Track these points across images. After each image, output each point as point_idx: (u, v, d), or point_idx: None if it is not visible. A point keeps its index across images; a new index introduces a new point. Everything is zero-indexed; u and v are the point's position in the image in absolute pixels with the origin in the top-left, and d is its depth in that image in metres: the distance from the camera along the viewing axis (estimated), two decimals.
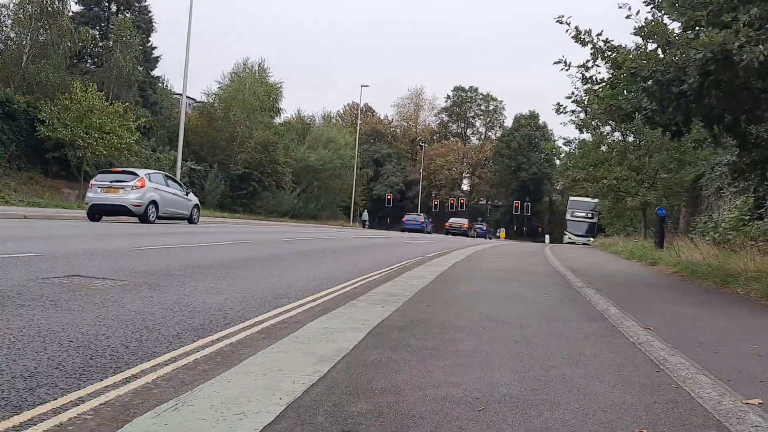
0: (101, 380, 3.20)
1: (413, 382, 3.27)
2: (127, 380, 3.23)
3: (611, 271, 12.39)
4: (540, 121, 76.50)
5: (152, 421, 2.57)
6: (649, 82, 8.17)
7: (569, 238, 50.76)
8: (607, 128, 24.78)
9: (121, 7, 40.65)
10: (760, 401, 3.21)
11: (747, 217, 13.64)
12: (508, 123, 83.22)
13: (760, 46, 6.76)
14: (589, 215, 51.72)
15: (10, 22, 31.42)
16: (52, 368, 3.31)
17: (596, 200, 42.87)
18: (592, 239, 47.10)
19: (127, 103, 30.87)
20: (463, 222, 52.81)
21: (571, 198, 51.76)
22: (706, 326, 5.66)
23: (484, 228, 61.79)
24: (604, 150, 25.78)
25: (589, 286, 8.29)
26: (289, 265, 9.39)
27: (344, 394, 3.03)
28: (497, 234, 65.51)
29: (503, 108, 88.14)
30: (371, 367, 3.53)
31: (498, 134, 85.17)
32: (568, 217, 53.40)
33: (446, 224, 52.03)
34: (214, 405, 2.76)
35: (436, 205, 72.05)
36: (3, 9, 31.14)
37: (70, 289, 5.58)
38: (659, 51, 8.12)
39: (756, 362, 4.23)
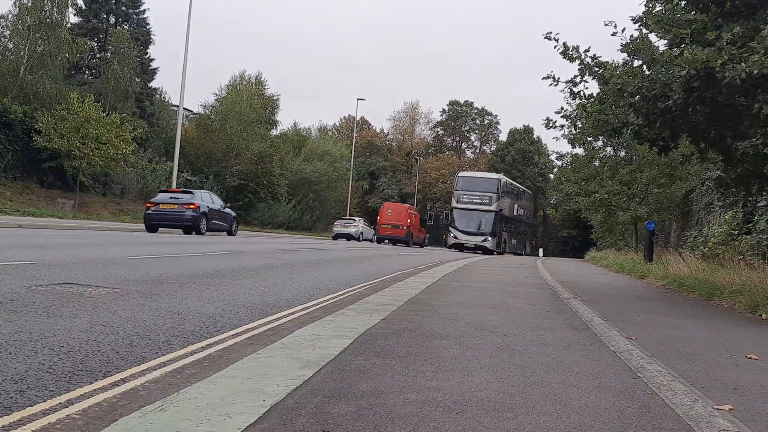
0: (90, 383, 3.27)
1: (395, 387, 3.37)
2: (115, 383, 3.31)
3: (600, 283, 12.52)
4: (534, 136, 76.90)
5: (138, 420, 2.65)
6: (636, 98, 8.34)
7: (454, 237, 35.82)
8: (599, 143, 25.05)
9: (120, 19, 40.93)
10: (731, 407, 3.31)
11: (736, 232, 13.79)
12: (503, 137, 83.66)
13: (743, 64, 6.94)
14: (486, 200, 35.02)
15: (8, 33, 31.59)
16: (43, 372, 3.38)
17: (499, 176, 35.73)
18: (491, 243, 35.23)
19: (124, 114, 31.00)
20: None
21: (461, 174, 38.40)
22: (687, 336, 5.78)
23: None
24: (596, 164, 26.02)
25: (577, 298, 8.40)
26: (281, 275, 9.48)
27: (327, 397, 3.12)
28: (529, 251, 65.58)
29: (498, 122, 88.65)
30: (355, 372, 3.63)
31: (493, 148, 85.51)
32: (453, 203, 36.54)
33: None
34: (199, 406, 2.85)
35: (431, 217, 72.17)
36: (2, 20, 31.35)
37: (63, 296, 5.66)
38: (645, 67, 8.29)
39: (732, 371, 4.34)
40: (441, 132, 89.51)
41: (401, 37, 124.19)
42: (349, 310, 6.11)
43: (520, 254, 40.09)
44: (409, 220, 38.19)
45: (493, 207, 35.39)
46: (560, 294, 9.10)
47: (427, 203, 78.40)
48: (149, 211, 21.50)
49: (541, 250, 59.90)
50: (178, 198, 21.98)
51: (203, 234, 21.47)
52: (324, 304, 6.80)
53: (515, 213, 41.23)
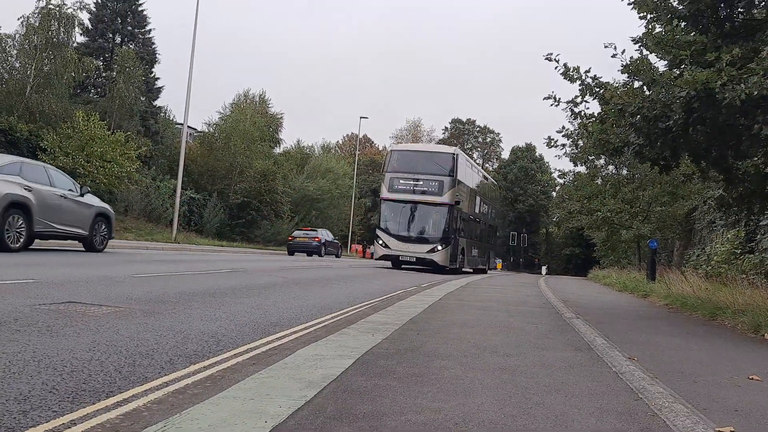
0: (93, 404, 3.29)
1: (396, 408, 3.38)
2: (118, 404, 3.32)
3: (602, 302, 12.50)
4: (536, 154, 77.24)
5: None
6: (637, 118, 8.40)
7: (384, 246, 23.47)
8: (601, 161, 25.15)
9: (125, 39, 41.33)
10: (732, 429, 3.31)
11: (738, 251, 13.79)
12: (505, 155, 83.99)
13: (742, 85, 7.00)
14: (434, 187, 22.93)
15: (15, 52, 31.91)
16: (46, 392, 3.40)
17: (455, 150, 24.02)
18: (441, 254, 22.69)
19: (128, 133, 31.23)
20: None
21: (394, 148, 26.54)
22: (689, 357, 5.77)
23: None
24: (599, 183, 26.08)
25: (579, 317, 8.40)
26: (283, 294, 9.49)
27: (328, 418, 3.13)
28: (494, 264, 65.57)
29: (500, 140, 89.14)
30: (356, 393, 3.64)
31: (495, 166, 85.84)
32: (383, 193, 24.15)
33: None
34: (201, 427, 2.87)
35: None
36: (9, 39, 31.66)
37: (66, 315, 5.69)
38: (645, 88, 8.36)
39: (734, 392, 4.34)
40: None
41: (405, 55, 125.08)
42: (351, 329, 6.12)
43: (483, 270, 30.78)
44: None
45: (445, 198, 22.51)
46: (563, 313, 9.09)
47: None
48: (291, 242, 35.91)
49: (544, 268, 59.87)
50: (308, 233, 36.48)
51: (322, 257, 33.72)
52: (326, 323, 6.81)
53: (478, 209, 28.71)
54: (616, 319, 9.18)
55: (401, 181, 23.61)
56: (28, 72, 31.36)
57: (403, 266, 24.01)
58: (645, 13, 8.92)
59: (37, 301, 6.28)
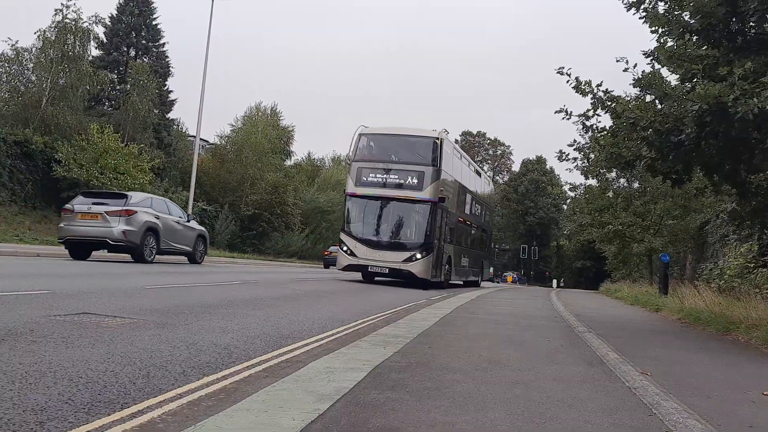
0: (108, 415, 3.32)
1: (409, 422, 3.39)
2: (133, 415, 3.35)
3: (614, 316, 12.43)
4: (547, 166, 77.08)
5: None
6: (649, 132, 8.39)
7: (349, 253, 18.85)
8: (612, 174, 25.06)
9: (140, 52, 41.90)
10: None
11: (752, 265, 13.68)
12: (516, 167, 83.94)
13: (755, 99, 6.99)
14: (414, 180, 18.61)
15: (32, 65, 32.41)
16: (62, 403, 3.43)
17: (439, 134, 18.82)
18: (421, 264, 18.08)
19: (142, 145, 31.61)
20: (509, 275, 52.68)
21: (364, 132, 19.76)
22: (703, 372, 5.73)
23: (517, 277, 62.51)
24: (610, 196, 25.98)
25: (591, 331, 8.36)
26: (295, 306, 9.51)
27: (342, 431, 3.14)
28: (504, 278, 65.46)
29: (511, 153, 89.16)
30: (369, 407, 3.65)
31: (505, 178, 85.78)
32: (349, 188, 19.65)
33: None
34: None
35: None
36: (26, 53, 32.15)
37: (81, 326, 5.74)
38: (657, 102, 8.37)
39: (748, 408, 4.31)
40: None
41: (415, 68, 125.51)
42: (363, 342, 6.13)
43: (475, 282, 26.43)
44: None
45: (425, 193, 18.25)
46: (574, 327, 9.05)
47: None
48: (327, 257, 36.68)
49: (555, 281, 59.56)
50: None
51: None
52: (338, 335, 6.82)
53: (469, 209, 24.35)
54: (629, 333, 9.13)
55: (371, 173, 18.99)
56: (44, 85, 31.83)
57: (372, 278, 19.96)
58: (657, 28, 8.94)
59: (52, 312, 6.34)
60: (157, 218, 17.32)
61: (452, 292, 17.41)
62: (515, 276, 62.42)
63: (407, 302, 12.43)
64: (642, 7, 9.19)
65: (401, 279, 19.14)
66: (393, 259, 18.18)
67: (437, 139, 19.05)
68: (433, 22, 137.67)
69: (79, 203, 16.66)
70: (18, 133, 27.81)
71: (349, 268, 18.89)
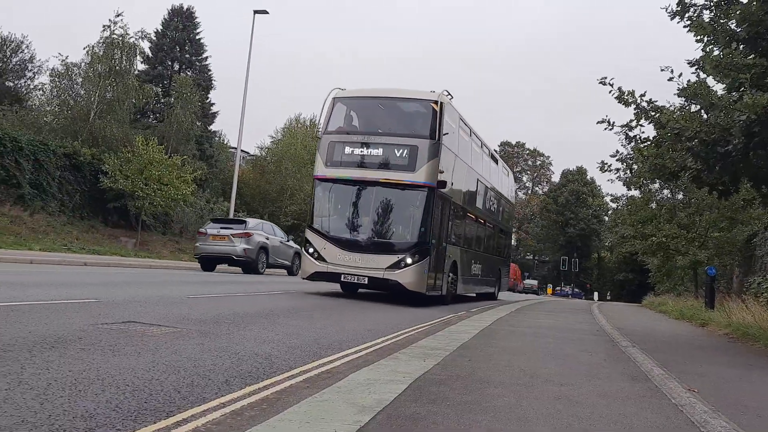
0: (155, 422, 3.39)
1: None
2: (178, 423, 3.41)
3: (659, 331, 12.13)
4: (588, 177, 75.87)
5: None
6: (694, 142, 8.22)
7: (316, 256, 13.96)
8: (656, 185, 24.52)
9: (183, 66, 42.99)
10: None
11: None
12: (556, 178, 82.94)
13: None
14: (402, 157, 13.76)
15: (80, 80, 33.51)
16: (110, 410, 3.51)
17: (440, 95, 14.20)
18: (414, 271, 13.19)
19: (185, 156, 32.33)
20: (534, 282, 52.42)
21: (338, 96, 14.84)
22: (752, 389, 5.55)
23: (570, 291, 61.98)
24: (653, 207, 25.42)
25: (635, 346, 8.18)
26: (334, 317, 9.57)
27: None
28: (544, 290, 64.57)
29: (550, 163, 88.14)
30: (410, 419, 3.64)
31: (545, 189, 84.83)
32: (318, 170, 14.64)
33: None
34: None
35: None
36: (75, 68, 33.26)
37: (127, 334, 5.88)
38: (703, 112, 8.19)
39: None
40: None
41: (452, 76, 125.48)
42: (402, 354, 6.13)
43: (491, 294, 21.80)
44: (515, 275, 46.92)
45: (420, 175, 13.77)
46: (617, 342, 8.87)
47: None
48: None
49: (596, 294, 58.43)
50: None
51: None
52: (377, 347, 6.83)
53: (482, 202, 19.60)
54: (674, 348, 8.90)
55: (347, 148, 14.30)
56: (92, 99, 32.89)
57: (345, 288, 15.35)
58: (702, 36, 8.76)
59: (99, 320, 6.51)
60: (267, 239, 21.77)
61: (468, 309, 17.21)
62: (569, 290, 61.52)
63: (445, 314, 12.32)
64: (686, 16, 9.03)
65: (386, 291, 14.71)
66: (375, 264, 13.34)
67: (436, 102, 13.94)
68: (453, 25, 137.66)
69: (210, 227, 21.32)
70: (67, 146, 28.75)
71: (316, 276, 13.93)
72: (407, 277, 13.20)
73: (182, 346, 5.62)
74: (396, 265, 13.22)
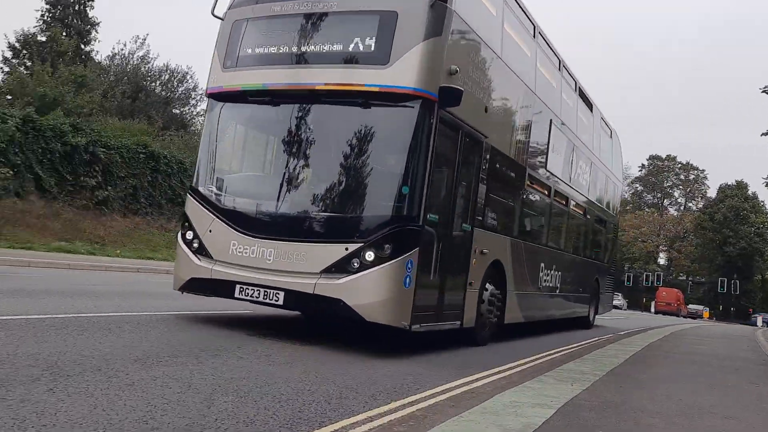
0: None
1: None
2: None
3: None
4: (749, 192, 69.37)
5: None
6: None
7: (192, 248, 7.07)
8: None
9: None
10: None
11: None
12: (711, 193, 76.68)
13: None
14: (367, 42, 6.56)
15: None
16: (268, 417, 3.72)
17: None
18: (375, 272, 5.96)
19: None
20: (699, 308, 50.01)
21: None
22: None
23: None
24: None
25: None
26: None
27: None
28: (701, 314, 59.69)
29: (705, 177, 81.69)
30: None
31: (699, 205, 78.80)
32: (212, 82, 7.45)
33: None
34: None
35: (628, 278, 67.75)
36: None
37: (279, 345, 6.21)
38: None
39: None
40: (640, 188, 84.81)
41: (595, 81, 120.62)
42: (547, 377, 5.95)
43: (583, 319, 14.18)
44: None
45: (400, 71, 6.33)
46: None
47: (624, 263, 73.75)
48: None
49: (760, 319, 52.83)
50: None
51: None
52: (520, 368, 6.68)
53: (564, 167, 11.70)
54: None
55: (265, 33, 7.47)
56: None
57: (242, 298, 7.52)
58: None
59: (251, 331, 6.92)
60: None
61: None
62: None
63: (590, 337, 11.76)
64: None
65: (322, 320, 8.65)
66: (300, 264, 6.47)
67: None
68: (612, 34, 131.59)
69: None
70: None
71: (191, 285, 7.14)
72: (360, 291, 6.22)
73: (330, 357, 5.84)
74: (341, 266, 6.30)
